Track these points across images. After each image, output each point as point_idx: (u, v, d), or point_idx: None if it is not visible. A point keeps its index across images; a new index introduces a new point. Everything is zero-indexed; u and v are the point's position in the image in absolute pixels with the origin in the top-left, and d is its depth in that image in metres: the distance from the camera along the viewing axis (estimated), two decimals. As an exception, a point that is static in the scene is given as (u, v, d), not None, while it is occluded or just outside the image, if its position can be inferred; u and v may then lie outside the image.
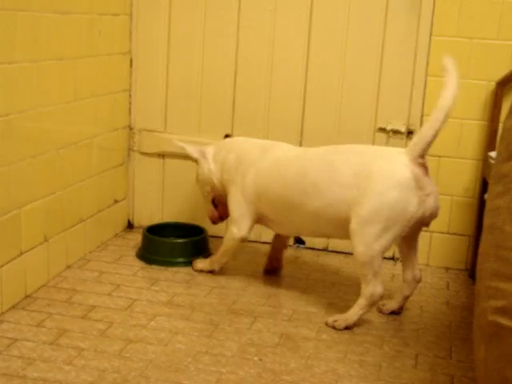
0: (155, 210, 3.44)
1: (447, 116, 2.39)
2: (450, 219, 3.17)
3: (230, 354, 2.28)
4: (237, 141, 2.94)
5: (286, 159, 2.71)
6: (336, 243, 3.27)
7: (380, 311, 2.68)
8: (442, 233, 3.19)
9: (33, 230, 2.60)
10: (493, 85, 3.00)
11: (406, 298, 2.67)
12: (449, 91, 2.39)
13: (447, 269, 3.20)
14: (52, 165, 2.69)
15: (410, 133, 3.11)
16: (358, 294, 2.70)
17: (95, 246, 3.13)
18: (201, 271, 2.94)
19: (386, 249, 2.48)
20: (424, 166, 2.44)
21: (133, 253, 3.12)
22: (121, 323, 2.45)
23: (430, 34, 3.03)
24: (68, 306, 2.55)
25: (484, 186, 2.97)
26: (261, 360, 2.26)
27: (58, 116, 2.70)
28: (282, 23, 3.16)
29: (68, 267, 2.89)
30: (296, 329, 2.51)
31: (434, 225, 3.15)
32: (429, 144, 2.42)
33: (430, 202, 2.45)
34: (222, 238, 3.35)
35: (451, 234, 3.19)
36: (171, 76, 3.31)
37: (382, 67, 3.11)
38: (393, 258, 3.23)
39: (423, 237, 3.19)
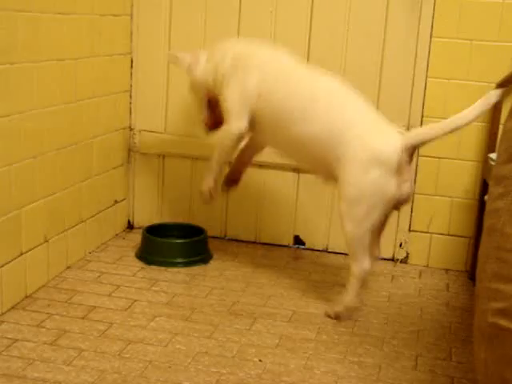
0: (155, 211, 3.44)
1: (453, 131, 2.46)
2: (450, 221, 3.17)
3: (230, 355, 2.28)
4: (233, 41, 2.88)
5: (300, 74, 2.69)
6: (336, 244, 3.28)
7: None
8: (442, 234, 3.19)
9: (33, 230, 2.60)
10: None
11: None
12: (470, 114, 2.44)
13: (447, 270, 3.20)
14: (52, 165, 2.69)
15: (410, 134, 3.11)
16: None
17: (95, 246, 3.13)
18: (206, 201, 2.86)
19: (374, 225, 2.56)
20: (411, 156, 2.51)
21: (133, 253, 3.12)
22: (121, 324, 2.45)
23: (431, 36, 3.03)
24: (68, 307, 2.55)
25: (484, 187, 2.98)
26: (261, 361, 2.26)
27: (58, 116, 2.71)
28: (282, 25, 3.16)
29: (68, 268, 2.89)
30: (296, 330, 2.51)
31: (433, 226, 3.18)
32: (423, 143, 2.53)
33: (405, 188, 2.51)
34: (221, 238, 3.36)
35: (451, 235, 3.19)
36: (172, 77, 3.31)
37: (383, 68, 3.11)
38: (392, 259, 3.23)
39: (423, 238, 3.21)
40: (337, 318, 2.60)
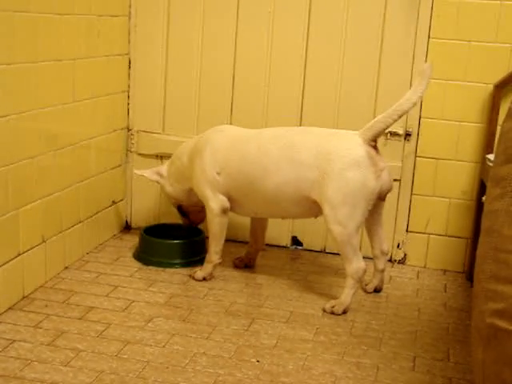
0: (152, 211, 3.43)
1: (401, 116, 2.60)
2: (448, 221, 3.17)
3: (228, 356, 2.28)
4: (181, 147, 3.03)
5: (244, 136, 2.84)
6: (334, 245, 3.27)
7: (365, 291, 2.88)
8: (440, 235, 3.19)
9: (31, 230, 2.59)
10: (491, 87, 3.00)
11: (382, 271, 2.87)
12: (414, 95, 2.58)
13: (445, 271, 3.20)
14: (50, 166, 2.69)
15: (407, 135, 3.12)
16: (355, 296, 2.71)
17: (93, 247, 3.13)
18: (204, 279, 2.89)
19: (360, 225, 2.66)
20: (375, 147, 2.64)
21: (130, 254, 3.12)
22: (118, 324, 2.45)
23: (428, 37, 3.03)
24: (65, 307, 2.55)
25: (482, 188, 2.98)
26: (258, 362, 2.26)
27: (56, 117, 2.70)
28: (280, 25, 3.16)
29: (66, 268, 2.88)
30: (293, 330, 2.51)
31: (431, 227, 3.18)
32: (380, 133, 2.63)
33: (384, 177, 2.64)
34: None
35: (449, 236, 3.19)
36: (169, 77, 3.31)
37: (380, 69, 3.11)
38: (390, 260, 3.23)
39: (421, 239, 3.21)
40: (332, 312, 2.64)
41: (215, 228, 2.84)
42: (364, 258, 2.70)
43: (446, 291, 2.98)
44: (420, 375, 2.26)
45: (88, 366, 2.15)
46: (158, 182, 3.07)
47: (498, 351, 1.47)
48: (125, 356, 2.23)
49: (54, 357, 2.19)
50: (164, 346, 2.31)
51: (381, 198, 2.69)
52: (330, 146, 2.62)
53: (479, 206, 2.96)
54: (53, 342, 2.28)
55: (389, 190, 2.71)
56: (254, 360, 2.27)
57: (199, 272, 2.90)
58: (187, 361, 2.23)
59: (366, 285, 2.89)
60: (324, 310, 2.66)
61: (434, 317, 2.71)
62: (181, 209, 3.10)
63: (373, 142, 2.62)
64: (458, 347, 2.46)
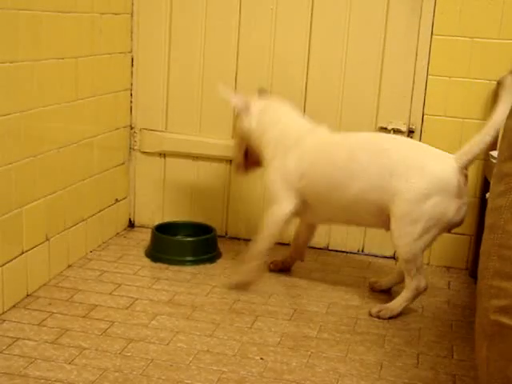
0: (156, 209, 3.44)
1: (498, 131, 2.42)
2: (451, 218, 3.16)
3: (232, 353, 2.28)
4: (282, 112, 2.82)
5: (333, 141, 2.72)
6: (337, 242, 3.28)
7: (371, 288, 2.84)
8: (443, 232, 3.19)
9: (34, 228, 2.60)
10: (494, 84, 3.00)
11: (399, 274, 2.78)
12: (503, 107, 2.41)
13: (448, 268, 3.20)
14: (53, 164, 2.69)
15: (410, 132, 3.12)
16: (359, 294, 2.72)
17: (96, 244, 3.13)
18: (244, 287, 2.77)
19: (427, 247, 2.58)
20: (466, 177, 2.52)
21: (134, 252, 3.12)
22: (122, 322, 2.45)
23: (431, 33, 3.03)
24: (69, 305, 2.55)
25: (485, 185, 2.97)
26: (262, 359, 2.26)
27: (59, 115, 2.70)
28: (282, 22, 3.16)
29: (69, 266, 2.89)
30: (297, 328, 2.51)
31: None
32: (476, 156, 2.50)
33: (463, 211, 2.53)
34: (222, 237, 3.36)
35: (452, 233, 3.16)
36: (172, 75, 3.31)
37: (383, 66, 3.11)
38: (393, 257, 3.23)
39: (424, 236, 3.20)
40: (378, 317, 2.61)
41: (271, 231, 2.70)
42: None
43: (449, 288, 2.98)
44: (424, 372, 2.26)
45: (92, 364, 2.15)
46: (238, 113, 2.84)
47: (502, 348, 1.47)
48: (128, 354, 2.23)
49: (58, 355, 2.19)
50: (168, 344, 2.32)
51: (448, 229, 2.59)
52: (422, 162, 2.51)
53: (483, 203, 2.95)
54: (56, 340, 2.28)
55: (459, 225, 2.59)
56: (257, 357, 2.27)
57: (237, 276, 2.80)
58: (191, 358, 2.23)
59: (375, 283, 2.85)
60: (370, 314, 2.62)
61: (438, 314, 2.71)
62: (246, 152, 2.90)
63: (465, 170, 2.50)
64: (461, 344, 2.46)
